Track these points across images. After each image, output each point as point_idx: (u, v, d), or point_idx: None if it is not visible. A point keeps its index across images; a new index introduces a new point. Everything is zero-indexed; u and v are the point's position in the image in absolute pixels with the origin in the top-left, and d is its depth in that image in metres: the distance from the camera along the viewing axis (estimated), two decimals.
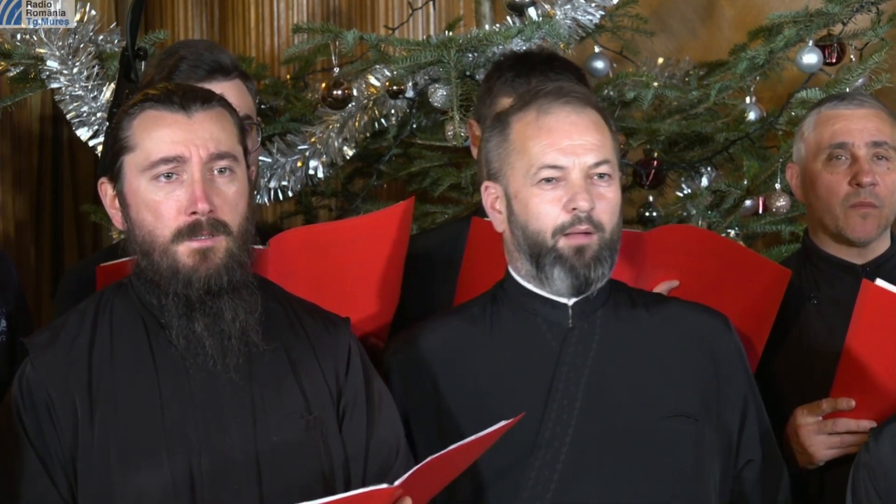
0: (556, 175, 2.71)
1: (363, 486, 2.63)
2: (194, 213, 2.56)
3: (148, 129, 2.60)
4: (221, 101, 2.66)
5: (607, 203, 2.72)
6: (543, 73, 3.23)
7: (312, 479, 2.59)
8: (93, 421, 2.56)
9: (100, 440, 2.55)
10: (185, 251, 2.58)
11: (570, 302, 2.77)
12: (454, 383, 2.77)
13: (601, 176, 2.73)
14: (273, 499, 2.56)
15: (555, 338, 2.77)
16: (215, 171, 2.60)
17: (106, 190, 2.67)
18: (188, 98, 2.62)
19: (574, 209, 2.69)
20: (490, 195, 2.80)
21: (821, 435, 3.07)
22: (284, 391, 2.63)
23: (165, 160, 2.58)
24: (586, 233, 2.70)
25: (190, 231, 2.57)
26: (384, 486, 2.36)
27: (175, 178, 2.58)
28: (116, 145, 2.64)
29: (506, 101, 3.23)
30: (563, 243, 2.71)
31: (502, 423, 2.51)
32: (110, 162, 2.66)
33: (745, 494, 2.84)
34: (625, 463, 2.70)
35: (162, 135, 2.59)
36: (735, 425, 2.82)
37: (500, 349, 2.79)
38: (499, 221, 2.80)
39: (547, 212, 2.71)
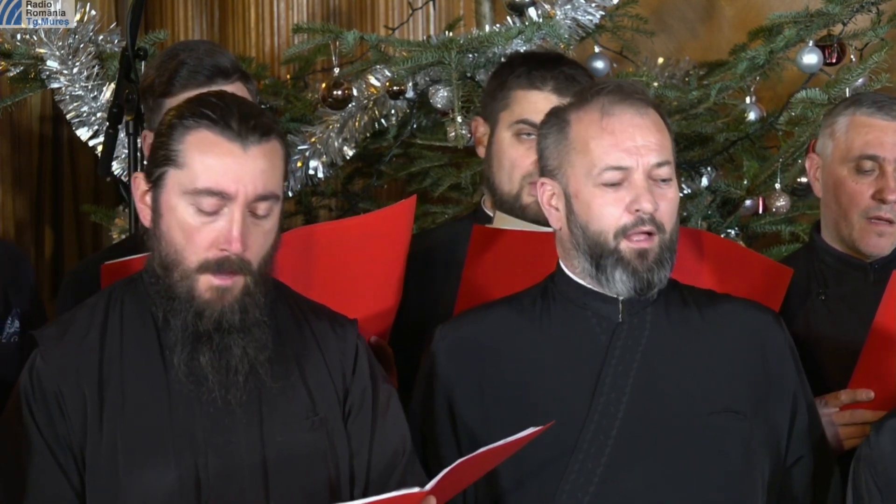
0: (620, 176, 2.70)
1: (366, 485, 2.64)
2: (225, 250, 2.55)
3: (201, 153, 2.56)
4: (278, 135, 2.62)
5: (668, 203, 2.72)
6: (557, 67, 3.24)
7: (318, 480, 2.59)
8: (102, 416, 2.55)
9: (108, 436, 2.54)
10: (205, 284, 2.56)
11: (622, 297, 2.76)
12: (501, 371, 2.77)
13: (662, 177, 2.72)
14: (279, 499, 2.55)
15: (604, 331, 2.76)
16: (255, 211, 2.57)
17: (139, 184, 2.63)
18: (246, 127, 2.56)
19: (637, 210, 2.69)
20: (546, 192, 2.79)
21: (838, 426, 3.06)
22: (290, 392, 2.62)
23: (210, 192, 2.54)
24: (648, 233, 2.70)
25: (217, 266, 2.55)
26: (416, 489, 2.36)
27: (215, 211, 2.56)
28: (163, 152, 2.59)
29: (520, 94, 3.25)
30: (625, 246, 2.70)
31: (531, 429, 2.50)
32: (151, 164, 2.62)
33: (794, 491, 2.82)
34: (671, 458, 2.69)
35: (213, 164, 2.55)
36: (785, 422, 2.81)
37: (549, 340, 2.78)
38: (555, 219, 2.79)
39: (610, 213, 2.70)
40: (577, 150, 2.73)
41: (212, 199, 2.54)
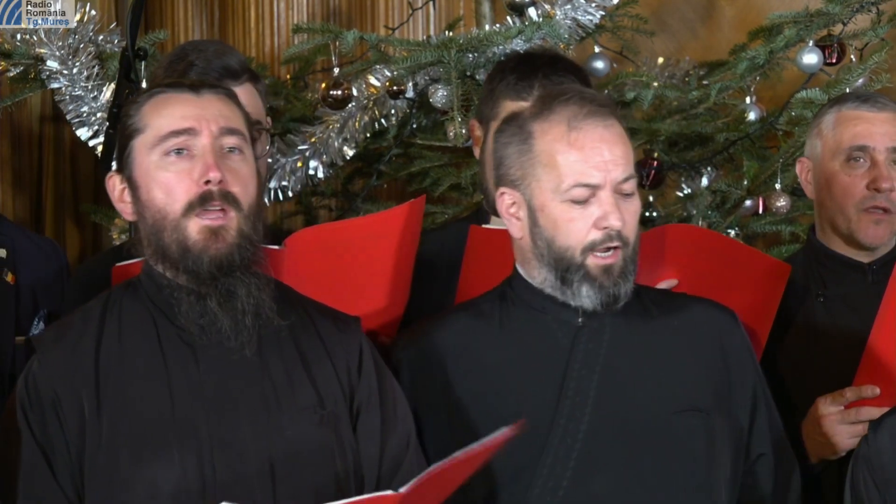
0: (588, 193, 2.70)
1: (377, 482, 2.63)
2: (207, 182, 2.56)
3: (157, 109, 2.62)
4: (229, 91, 2.70)
5: (632, 217, 2.73)
6: (546, 77, 3.23)
7: (325, 475, 2.59)
8: (100, 418, 2.55)
9: (108, 437, 2.54)
10: (195, 228, 2.57)
11: (587, 310, 2.76)
12: (465, 379, 2.77)
13: (627, 192, 2.73)
14: (286, 495, 2.55)
15: (565, 335, 2.77)
16: (225, 149, 2.61)
17: (114, 183, 2.67)
18: (198, 84, 2.67)
19: (605, 227, 2.69)
20: (506, 202, 2.78)
21: (844, 424, 3.07)
22: (297, 387, 2.62)
23: (176, 133, 2.59)
24: (615, 248, 2.71)
25: (201, 201, 2.57)
26: (389, 492, 2.34)
27: (186, 154, 2.59)
28: (125, 132, 2.65)
29: (509, 104, 3.23)
30: (592, 262, 2.71)
31: (505, 429, 2.48)
32: (119, 151, 2.66)
33: (757, 489, 2.84)
34: (638, 458, 2.70)
35: (171, 111, 2.61)
36: (746, 419, 2.83)
37: (511, 346, 2.78)
38: (517, 228, 2.78)
39: (578, 229, 2.70)
40: (543, 163, 2.72)
41: (178, 138, 2.59)
